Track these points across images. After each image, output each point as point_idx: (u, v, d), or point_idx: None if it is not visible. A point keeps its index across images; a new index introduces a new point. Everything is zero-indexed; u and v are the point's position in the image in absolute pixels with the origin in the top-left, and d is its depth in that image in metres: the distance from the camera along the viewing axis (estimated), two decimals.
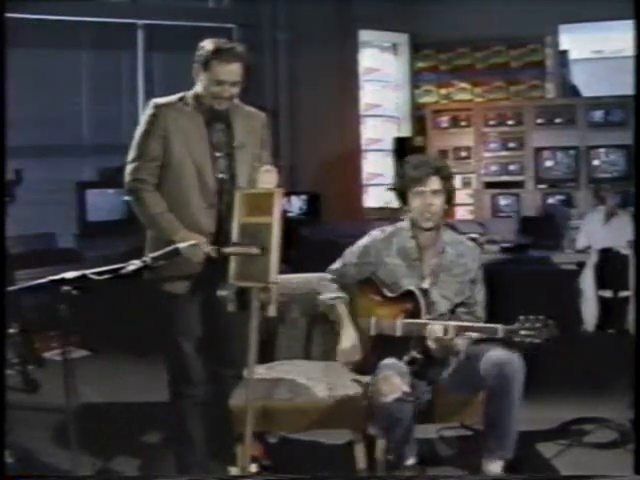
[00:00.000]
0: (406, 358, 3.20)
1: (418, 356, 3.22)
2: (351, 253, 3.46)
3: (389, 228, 3.45)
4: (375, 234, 3.45)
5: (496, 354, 3.13)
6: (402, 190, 3.37)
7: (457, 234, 3.53)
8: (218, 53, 3.18)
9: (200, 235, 3.18)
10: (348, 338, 3.32)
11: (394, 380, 3.06)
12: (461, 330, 3.15)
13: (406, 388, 3.06)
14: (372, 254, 3.40)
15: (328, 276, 3.49)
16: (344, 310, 3.38)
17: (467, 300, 3.37)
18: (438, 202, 3.31)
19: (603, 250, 5.56)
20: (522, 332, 3.00)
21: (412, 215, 3.35)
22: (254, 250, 3.04)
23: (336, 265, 3.49)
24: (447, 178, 3.35)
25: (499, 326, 3.07)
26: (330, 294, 3.43)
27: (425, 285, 3.31)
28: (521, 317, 3.02)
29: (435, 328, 3.14)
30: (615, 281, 5.44)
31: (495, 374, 3.10)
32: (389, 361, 3.18)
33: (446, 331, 3.13)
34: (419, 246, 3.37)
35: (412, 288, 3.28)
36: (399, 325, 3.22)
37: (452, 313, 3.35)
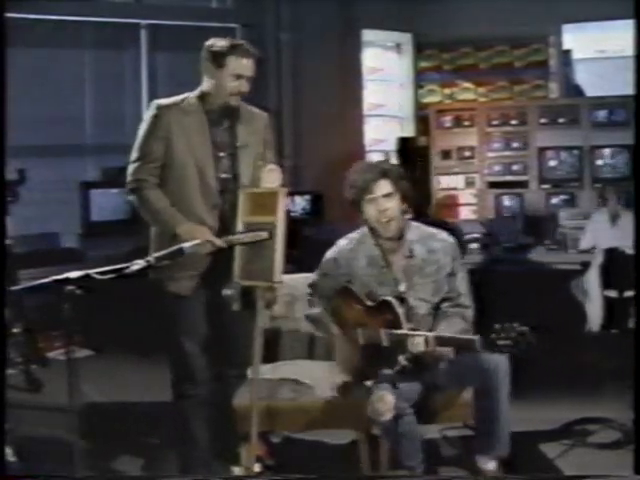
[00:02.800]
0: (397, 368, 3.13)
1: (407, 364, 3.14)
2: (324, 265, 3.39)
3: (355, 235, 3.36)
4: (342, 244, 3.37)
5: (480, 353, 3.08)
6: (356, 200, 3.25)
7: (428, 228, 3.37)
8: (234, 49, 3.20)
9: (204, 227, 3.18)
10: (341, 351, 3.29)
11: (388, 399, 3.02)
12: (440, 342, 3.06)
13: (401, 403, 3.03)
14: (343, 265, 3.32)
15: (308, 290, 3.43)
16: (331, 324, 3.30)
17: (449, 294, 3.29)
18: (392, 205, 3.20)
19: (608, 250, 5.54)
20: (500, 342, 2.89)
21: (370, 224, 3.27)
22: (263, 234, 3.02)
23: (313, 278, 3.43)
24: (397, 178, 3.24)
25: (476, 338, 2.97)
26: (313, 310, 3.38)
27: (402, 288, 3.24)
28: (497, 326, 2.89)
29: (416, 341, 3.06)
30: (620, 281, 5.42)
31: (479, 372, 3.08)
32: (381, 379, 3.12)
33: (427, 343, 3.05)
34: (384, 252, 3.28)
35: (388, 298, 3.19)
36: (384, 335, 3.15)
37: (437, 310, 3.28)
